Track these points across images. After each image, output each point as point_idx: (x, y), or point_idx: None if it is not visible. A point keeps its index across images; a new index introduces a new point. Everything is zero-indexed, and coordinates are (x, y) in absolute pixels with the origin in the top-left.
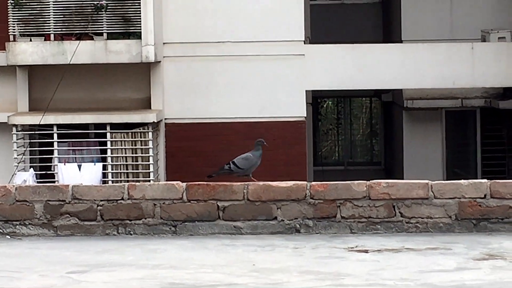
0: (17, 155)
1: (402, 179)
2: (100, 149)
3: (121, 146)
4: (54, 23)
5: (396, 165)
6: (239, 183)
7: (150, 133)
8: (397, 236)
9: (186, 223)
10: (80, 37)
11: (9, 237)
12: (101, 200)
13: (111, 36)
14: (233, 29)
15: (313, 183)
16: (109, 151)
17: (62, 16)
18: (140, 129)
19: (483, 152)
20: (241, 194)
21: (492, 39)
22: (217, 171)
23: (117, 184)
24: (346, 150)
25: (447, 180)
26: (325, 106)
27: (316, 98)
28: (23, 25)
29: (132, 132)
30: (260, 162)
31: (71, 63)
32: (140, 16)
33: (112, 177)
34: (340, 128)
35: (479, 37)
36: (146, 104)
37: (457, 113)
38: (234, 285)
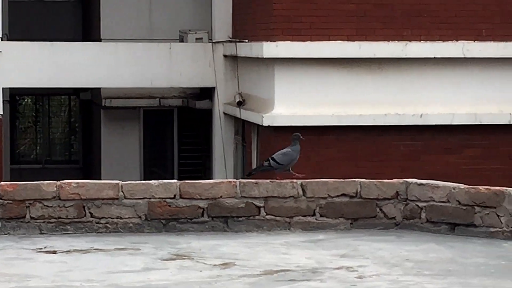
0: None
1: (100, 178)
2: None
3: None
4: None
5: (95, 164)
6: None
7: None
8: (86, 237)
9: None
10: None
11: None
12: None
13: None
14: None
15: (2, 183)
16: None
17: None
18: None
19: (180, 151)
20: None
21: (190, 40)
22: (257, 168)
23: None
24: (45, 149)
25: (144, 180)
26: (23, 103)
27: (14, 96)
28: None
29: None
30: (298, 157)
31: None
32: None
33: None
34: (39, 126)
35: (178, 37)
36: None
37: (155, 112)
38: None
